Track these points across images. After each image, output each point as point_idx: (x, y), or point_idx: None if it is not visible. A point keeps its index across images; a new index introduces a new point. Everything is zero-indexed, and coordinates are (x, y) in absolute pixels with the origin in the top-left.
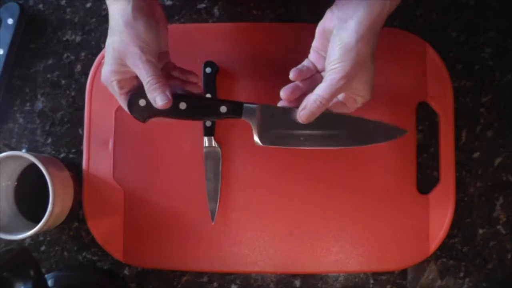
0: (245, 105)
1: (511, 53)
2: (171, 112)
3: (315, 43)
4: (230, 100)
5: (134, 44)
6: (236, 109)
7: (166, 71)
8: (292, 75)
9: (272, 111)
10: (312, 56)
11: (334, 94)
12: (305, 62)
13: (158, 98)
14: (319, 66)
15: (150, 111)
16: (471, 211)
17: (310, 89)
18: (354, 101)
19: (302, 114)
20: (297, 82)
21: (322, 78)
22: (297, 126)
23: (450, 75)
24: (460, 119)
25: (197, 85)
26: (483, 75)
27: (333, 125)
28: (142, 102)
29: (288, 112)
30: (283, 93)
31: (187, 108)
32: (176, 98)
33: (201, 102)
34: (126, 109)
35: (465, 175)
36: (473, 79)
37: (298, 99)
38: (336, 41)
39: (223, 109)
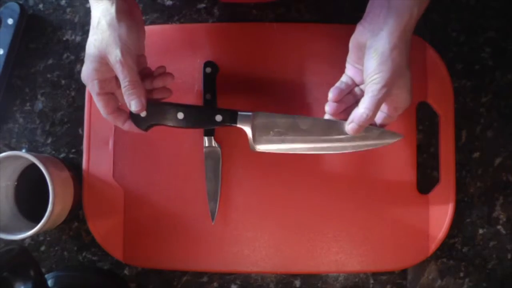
0: (240, 113)
1: (511, 53)
2: (170, 121)
3: (350, 57)
4: (226, 109)
5: (116, 45)
6: (231, 117)
7: (142, 75)
8: (331, 95)
9: (266, 118)
10: (350, 71)
11: (378, 104)
12: (343, 78)
13: (133, 103)
14: (357, 80)
15: (150, 121)
16: (471, 211)
17: (351, 102)
18: (395, 110)
19: (350, 128)
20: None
21: (361, 91)
22: (290, 132)
23: (450, 75)
24: (460, 119)
25: (167, 90)
26: (483, 75)
27: (326, 131)
28: (143, 114)
29: (283, 118)
30: (329, 108)
31: (185, 117)
32: (174, 107)
33: (197, 111)
34: (101, 110)
35: (465, 175)
36: (473, 79)
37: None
38: (371, 53)
39: (219, 117)
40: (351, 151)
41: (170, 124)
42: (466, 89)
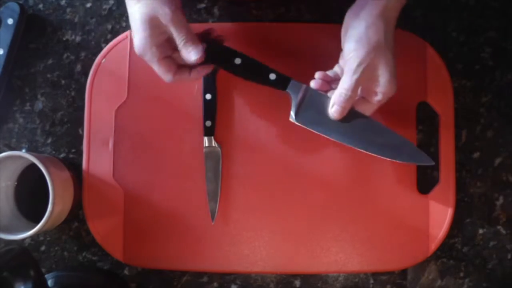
0: (293, 80)
1: (511, 53)
2: (227, 64)
3: (342, 46)
4: (281, 73)
5: (161, 3)
6: (285, 80)
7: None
8: (317, 75)
9: (315, 95)
10: (341, 60)
11: (356, 84)
12: (335, 68)
13: (192, 54)
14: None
15: (209, 61)
16: (471, 211)
17: None
18: (374, 94)
19: (333, 111)
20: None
21: None
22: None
23: (450, 75)
24: (460, 119)
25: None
26: (483, 75)
27: (364, 128)
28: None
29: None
30: (314, 83)
31: (241, 64)
32: (233, 52)
33: (255, 63)
34: (165, 75)
35: (465, 175)
36: (473, 79)
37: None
38: (348, 33)
39: (272, 76)
40: (378, 156)
41: (225, 67)
42: (466, 89)
